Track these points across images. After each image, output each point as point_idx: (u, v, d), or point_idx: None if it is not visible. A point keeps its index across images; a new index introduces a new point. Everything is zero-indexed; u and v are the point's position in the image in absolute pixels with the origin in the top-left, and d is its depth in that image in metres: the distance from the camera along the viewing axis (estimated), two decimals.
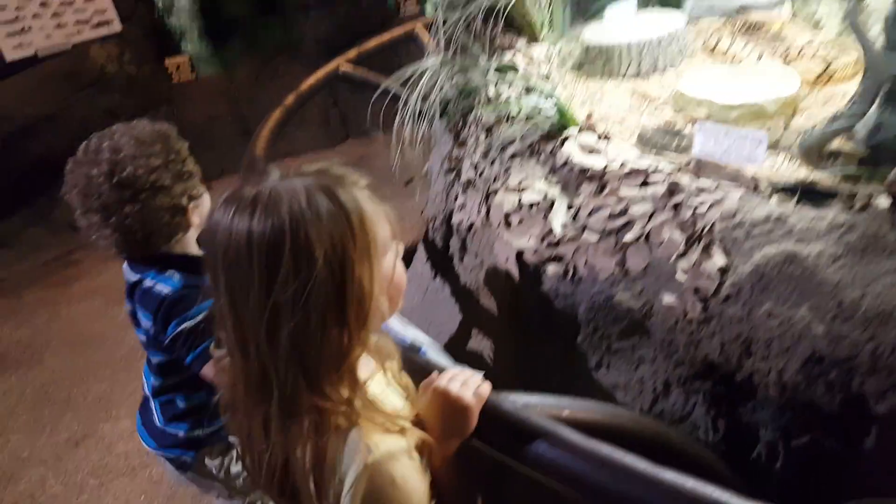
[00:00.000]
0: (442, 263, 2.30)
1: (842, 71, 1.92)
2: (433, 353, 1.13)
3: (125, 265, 1.57)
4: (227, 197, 0.80)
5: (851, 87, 1.92)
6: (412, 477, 0.83)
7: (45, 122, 5.22)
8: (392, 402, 0.92)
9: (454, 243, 2.14)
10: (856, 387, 1.24)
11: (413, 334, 1.16)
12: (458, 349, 2.09)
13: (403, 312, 2.20)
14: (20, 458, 3.02)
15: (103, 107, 5.61)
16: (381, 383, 0.94)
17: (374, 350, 0.88)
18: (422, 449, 0.90)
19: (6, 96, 5.03)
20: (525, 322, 1.92)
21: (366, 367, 0.91)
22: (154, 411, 1.70)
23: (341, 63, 3.02)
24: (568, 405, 1.03)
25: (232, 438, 1.65)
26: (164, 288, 1.46)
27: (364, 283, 0.79)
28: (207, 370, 1.40)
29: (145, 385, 1.71)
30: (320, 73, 2.92)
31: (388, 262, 0.85)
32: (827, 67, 1.92)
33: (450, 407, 0.91)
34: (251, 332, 0.78)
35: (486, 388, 0.96)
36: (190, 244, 1.55)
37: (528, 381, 1.92)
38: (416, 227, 4.31)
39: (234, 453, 1.68)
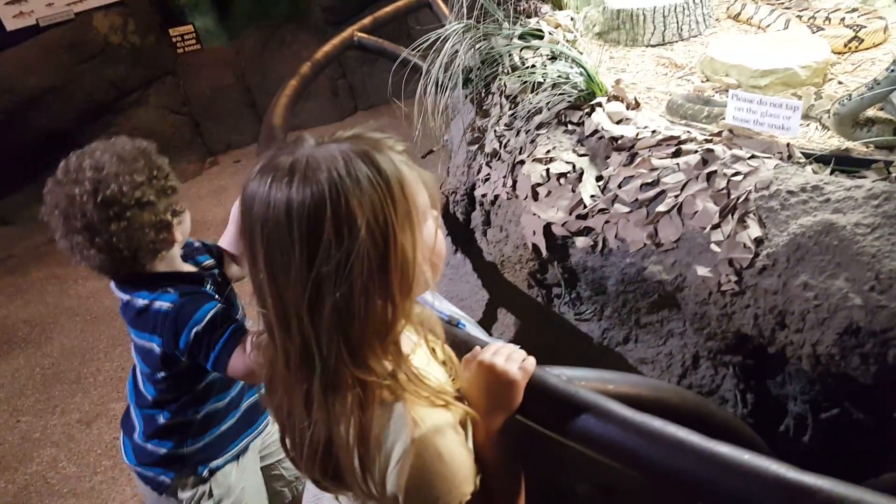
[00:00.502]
0: (464, 237, 2.28)
1: (870, 38, 1.88)
2: (471, 327, 1.12)
3: (112, 284, 1.54)
4: (262, 167, 0.78)
5: (879, 54, 1.89)
6: (458, 451, 0.82)
7: (49, 93, 5.16)
8: (436, 375, 0.91)
9: (477, 216, 2.12)
10: (892, 358, 1.24)
11: (448, 308, 1.15)
12: (482, 325, 2.08)
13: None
14: (31, 439, 3.01)
15: (108, 78, 5.55)
16: (424, 357, 0.93)
17: (417, 322, 0.86)
18: (465, 423, 0.89)
19: (8, 68, 4.97)
20: (552, 297, 1.92)
21: (408, 340, 0.90)
22: (136, 424, 1.65)
23: (356, 31, 2.97)
24: (612, 379, 1.03)
25: (215, 463, 1.65)
26: (162, 304, 1.44)
27: (407, 250, 0.77)
28: (237, 363, 1.38)
29: (130, 396, 1.67)
30: (336, 41, 2.86)
31: (429, 229, 0.83)
32: (856, 34, 1.88)
33: (496, 381, 0.90)
34: (293, 305, 0.76)
35: (532, 362, 0.95)
36: (175, 260, 1.52)
37: (555, 357, 1.92)
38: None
39: (209, 487, 1.65)
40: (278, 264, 0.76)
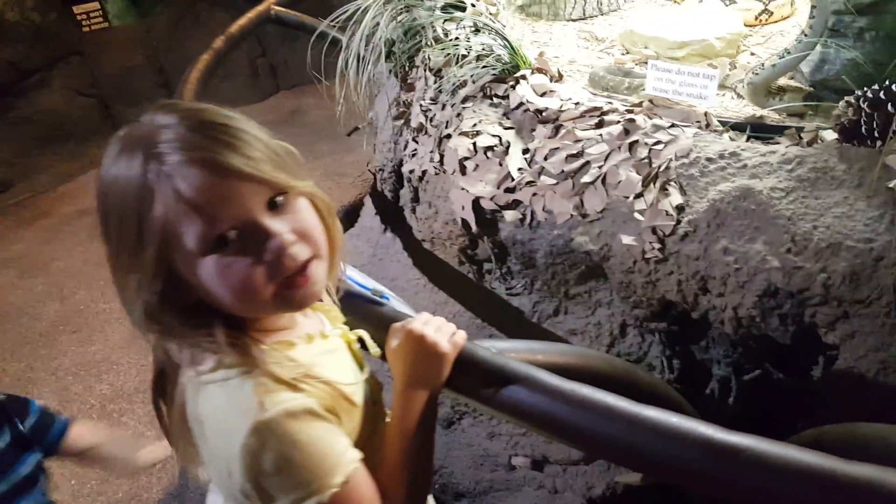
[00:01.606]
0: (392, 216, 2.24)
1: (779, 11, 1.95)
2: (396, 302, 1.09)
3: None
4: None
5: (787, 26, 1.96)
6: (322, 438, 0.74)
7: None
8: (330, 367, 0.84)
9: (405, 194, 2.08)
10: (808, 318, 1.29)
11: (373, 283, 1.12)
12: (412, 303, 2.05)
13: (355, 268, 2.14)
14: None
15: (6, 59, 5.15)
16: (311, 349, 0.85)
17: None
18: (368, 410, 0.87)
19: None
20: (483, 272, 1.91)
21: (306, 326, 0.86)
22: None
23: (272, 4, 2.85)
24: (541, 349, 1.02)
25: None
26: None
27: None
28: None
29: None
30: (251, 14, 2.74)
31: (186, 260, 0.73)
32: (766, 7, 1.94)
33: (424, 352, 0.87)
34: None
35: (462, 335, 0.92)
36: None
37: (487, 333, 1.91)
38: (362, 181, 4.16)
39: None
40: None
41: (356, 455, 0.78)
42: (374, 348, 0.96)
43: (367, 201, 2.43)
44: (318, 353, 0.84)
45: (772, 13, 1.89)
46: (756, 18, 1.91)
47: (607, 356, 1.26)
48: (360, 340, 0.97)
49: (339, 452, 0.75)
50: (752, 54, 1.77)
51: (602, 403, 0.82)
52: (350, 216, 2.85)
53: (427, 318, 0.92)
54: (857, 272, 1.20)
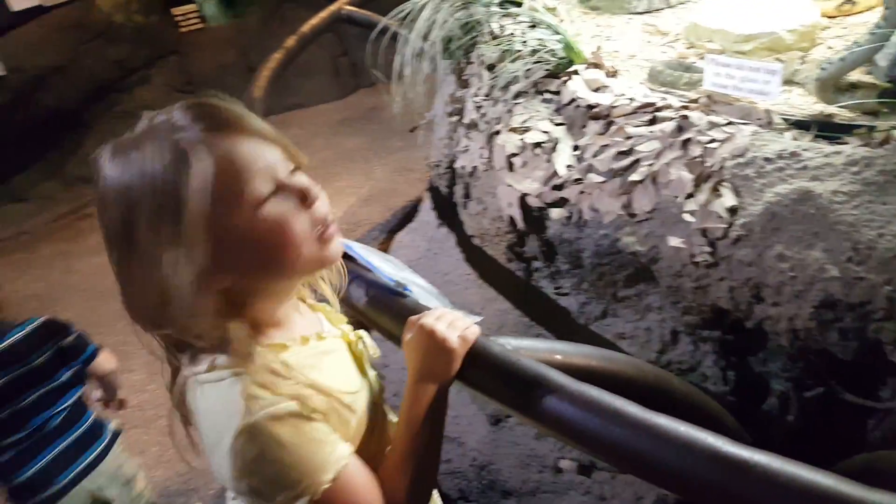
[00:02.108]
0: (447, 211, 2.25)
1: (864, 1, 1.79)
2: (427, 296, 1.08)
3: None
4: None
5: (873, 17, 1.80)
6: (309, 437, 0.75)
7: (55, 73, 5.18)
8: (326, 369, 0.85)
9: (458, 189, 2.08)
10: (871, 333, 1.18)
11: (405, 276, 1.11)
12: (461, 299, 2.05)
13: (408, 262, 2.16)
14: None
15: (112, 57, 5.55)
16: (315, 349, 0.86)
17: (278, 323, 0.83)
18: (372, 409, 0.88)
19: (15, 47, 4.98)
20: (531, 270, 1.88)
21: (290, 331, 0.85)
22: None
23: (344, 4, 2.91)
24: (562, 350, 0.99)
25: None
26: None
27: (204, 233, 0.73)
28: None
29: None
30: (324, 14, 2.81)
31: (231, 219, 0.74)
32: None
33: (434, 347, 0.86)
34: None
35: (475, 330, 0.91)
36: None
37: (535, 331, 1.88)
38: (425, 177, 4.21)
39: None
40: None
41: (346, 450, 0.79)
42: (373, 349, 0.96)
43: (426, 196, 2.45)
44: (313, 354, 0.85)
45: (855, 3, 1.74)
46: (837, 9, 1.77)
47: (638, 361, 1.21)
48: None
49: (327, 451, 0.76)
50: (830, 48, 1.64)
51: (609, 406, 0.78)
52: (412, 212, 2.88)
53: (441, 313, 0.91)
54: None
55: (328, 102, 5.98)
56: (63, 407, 1.71)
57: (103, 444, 1.78)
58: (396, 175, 4.45)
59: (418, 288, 1.09)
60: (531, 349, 0.95)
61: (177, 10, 6.22)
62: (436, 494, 1.01)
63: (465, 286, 2.08)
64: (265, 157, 0.76)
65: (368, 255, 1.06)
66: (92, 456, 1.74)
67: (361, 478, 0.79)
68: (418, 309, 0.98)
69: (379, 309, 1.01)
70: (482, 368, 0.89)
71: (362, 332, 0.96)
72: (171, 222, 0.72)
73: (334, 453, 0.77)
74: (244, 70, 6.32)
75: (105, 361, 1.82)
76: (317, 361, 0.84)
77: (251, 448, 0.72)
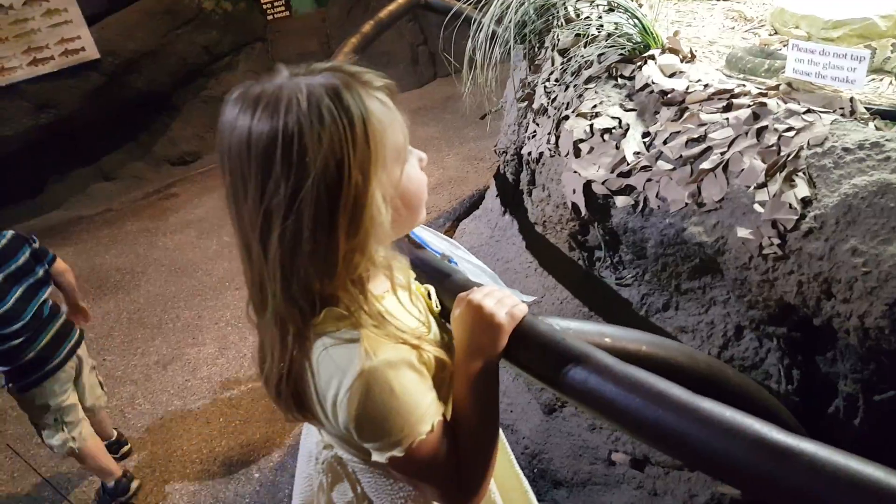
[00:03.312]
0: (512, 198, 2.24)
1: None
2: (480, 273, 1.09)
3: None
4: (236, 96, 0.77)
5: None
6: (414, 389, 0.80)
7: (146, 57, 5.45)
8: (407, 321, 0.89)
9: (524, 176, 2.07)
10: None
11: (458, 255, 1.13)
12: (522, 286, 2.05)
13: (471, 248, 2.16)
14: (114, 376, 3.26)
15: (201, 43, 5.80)
16: (396, 302, 0.90)
17: (383, 266, 0.83)
18: (441, 369, 0.87)
19: (111, 32, 5.27)
20: (593, 260, 1.85)
21: (382, 284, 0.88)
22: None
23: None
24: (612, 333, 0.97)
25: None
26: None
27: (362, 192, 0.75)
28: None
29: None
30: (401, 0, 2.85)
31: (397, 172, 0.81)
32: None
33: (481, 321, 0.88)
34: (248, 234, 0.78)
35: (522, 308, 0.91)
36: None
37: (594, 321, 1.86)
38: (494, 166, 4.22)
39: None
40: (238, 193, 0.77)
41: (441, 408, 0.84)
42: (436, 303, 1.00)
43: (492, 183, 2.45)
44: (404, 304, 0.89)
45: None
46: None
47: (690, 349, 1.18)
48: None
49: (428, 403, 0.82)
50: None
51: (654, 388, 0.77)
52: (479, 200, 2.90)
53: (490, 290, 0.92)
54: None
55: (406, 91, 6.06)
56: (45, 297, 2.16)
57: (77, 335, 2.30)
58: (467, 164, 4.47)
59: (471, 266, 1.10)
60: (580, 330, 0.94)
61: None
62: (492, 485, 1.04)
63: (525, 273, 2.08)
64: (401, 115, 0.83)
65: (420, 232, 1.08)
66: (72, 342, 2.26)
67: (448, 435, 0.84)
68: (468, 285, 0.99)
69: (429, 284, 1.03)
70: (528, 346, 0.90)
71: (430, 286, 0.99)
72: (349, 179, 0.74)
73: (433, 406, 0.82)
74: (327, 57, 6.46)
75: (60, 264, 2.27)
76: (407, 312, 0.89)
77: (368, 391, 0.77)
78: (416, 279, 1.01)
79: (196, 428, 2.83)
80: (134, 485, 2.51)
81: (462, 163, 4.52)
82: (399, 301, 0.90)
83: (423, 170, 0.89)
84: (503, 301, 0.91)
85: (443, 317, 1.00)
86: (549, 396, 1.99)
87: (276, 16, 6.58)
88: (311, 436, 1.07)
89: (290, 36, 6.48)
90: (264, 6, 6.47)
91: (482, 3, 2.05)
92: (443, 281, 1.02)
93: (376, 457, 0.81)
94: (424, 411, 0.81)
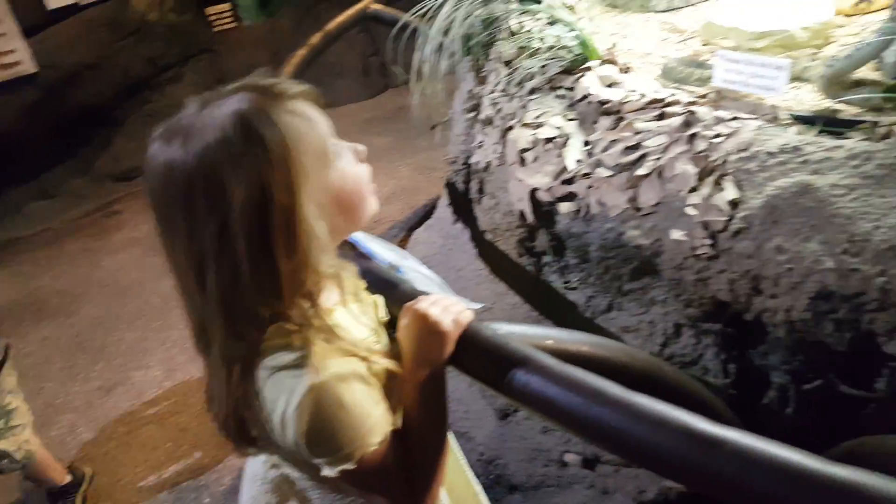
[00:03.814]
0: (462, 206, 2.29)
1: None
2: (428, 283, 1.12)
3: None
4: (157, 133, 0.77)
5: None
6: (364, 401, 0.81)
7: (88, 70, 5.31)
8: (357, 333, 0.90)
9: (473, 185, 2.12)
10: (865, 324, 1.19)
11: (407, 264, 1.15)
12: (474, 294, 2.08)
13: (423, 257, 2.19)
14: (53, 404, 3.11)
15: (145, 55, 5.69)
16: (346, 314, 0.91)
17: (331, 275, 0.84)
18: (390, 379, 0.89)
19: (50, 45, 5.12)
20: (542, 265, 1.90)
21: (332, 296, 0.89)
22: None
23: (371, 2, 2.97)
24: (554, 336, 1.02)
25: None
26: None
27: (290, 212, 0.74)
28: None
29: None
30: (350, 11, 2.88)
31: (325, 175, 0.80)
32: None
33: (427, 330, 0.90)
34: (186, 278, 0.78)
35: (468, 315, 0.94)
36: None
37: (544, 325, 1.90)
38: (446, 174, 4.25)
39: None
40: (167, 236, 0.77)
41: (390, 418, 0.85)
42: (385, 313, 1.01)
43: (444, 192, 2.49)
44: (354, 316, 0.91)
45: (872, 1, 1.74)
46: (854, 7, 1.77)
47: (629, 348, 1.23)
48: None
49: (378, 414, 0.83)
50: (843, 46, 1.64)
51: (591, 386, 0.81)
52: (431, 209, 2.93)
53: (436, 298, 0.95)
54: None
55: (357, 102, 6.04)
56: None
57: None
58: (419, 174, 4.50)
59: (419, 275, 1.13)
60: (524, 334, 0.98)
61: (210, 10, 6.36)
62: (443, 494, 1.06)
63: (477, 281, 2.12)
64: (325, 118, 0.83)
65: (368, 242, 1.10)
66: None
67: (398, 445, 0.85)
68: (415, 295, 1.02)
69: (376, 295, 1.05)
70: (473, 352, 0.93)
71: (378, 297, 1.01)
72: (271, 200, 0.73)
73: (383, 417, 0.83)
74: (276, 69, 6.44)
75: None
76: (357, 323, 0.90)
77: (317, 406, 0.77)
78: (365, 289, 1.03)
79: (142, 455, 2.74)
80: (88, 471, 2.47)
81: (415, 173, 4.55)
82: (349, 312, 0.92)
83: (364, 163, 0.89)
84: (449, 309, 0.94)
85: (391, 327, 1.02)
86: (503, 402, 2.03)
87: (222, 27, 6.49)
88: (258, 456, 1.07)
89: (238, 47, 6.41)
90: (210, 18, 6.38)
91: (429, 15, 2.09)
92: (390, 291, 1.04)
93: (327, 471, 0.81)
94: (374, 423, 0.81)
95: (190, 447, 2.73)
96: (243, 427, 0.83)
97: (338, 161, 0.83)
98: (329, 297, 0.88)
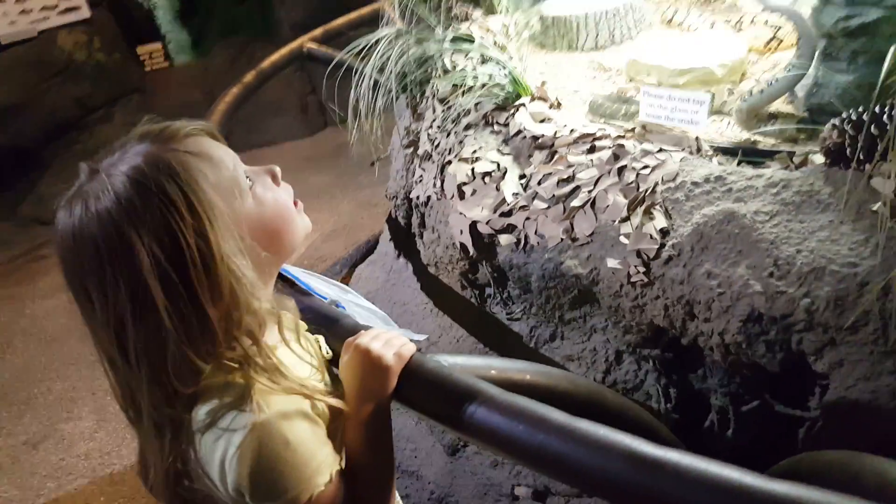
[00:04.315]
0: (405, 242, 2.29)
1: (789, 38, 1.92)
2: (370, 316, 1.11)
3: None
4: (61, 203, 0.76)
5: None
6: (309, 439, 0.78)
7: (11, 111, 5.13)
8: (300, 371, 0.87)
9: (414, 220, 2.13)
10: (794, 344, 1.25)
11: (348, 299, 1.14)
12: (418, 328, 2.08)
13: (367, 293, 2.17)
14: None
15: (72, 95, 5.53)
16: (288, 352, 0.88)
17: (269, 313, 0.82)
18: (335, 417, 0.87)
19: None
20: (485, 297, 1.92)
21: (272, 335, 0.86)
22: None
23: (305, 41, 2.99)
24: (498, 366, 1.02)
25: None
26: None
27: (207, 254, 0.73)
28: None
29: None
30: (284, 51, 2.89)
31: (238, 206, 0.79)
32: (775, 34, 1.92)
33: (369, 365, 0.89)
34: (109, 347, 0.75)
35: (410, 348, 0.94)
36: None
37: (488, 356, 1.91)
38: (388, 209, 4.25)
39: None
40: (83, 304, 0.75)
41: (337, 458, 0.83)
42: (327, 349, 1.00)
43: (385, 228, 2.49)
44: (296, 354, 0.88)
45: (781, 41, 1.87)
46: (766, 46, 1.90)
47: (572, 375, 1.25)
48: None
49: (324, 454, 0.80)
50: (757, 81, 1.75)
51: (535, 414, 0.82)
52: (374, 245, 2.92)
53: (377, 332, 0.94)
54: (842, 297, 1.16)
55: (297, 140, 6.02)
56: None
57: None
58: (361, 210, 4.49)
59: (361, 309, 1.12)
60: (467, 365, 0.99)
61: (142, 49, 6.26)
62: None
63: (422, 315, 2.11)
64: (226, 150, 0.82)
65: (307, 279, 1.09)
66: None
67: (345, 484, 0.83)
68: (357, 329, 1.00)
69: (317, 332, 1.03)
70: (417, 384, 0.92)
71: (319, 335, 0.99)
72: (188, 247, 0.72)
73: (329, 456, 0.80)
74: (209, 106, 6.37)
75: None
76: (300, 361, 0.87)
77: (260, 446, 0.73)
78: (306, 329, 1.01)
79: None
80: None
81: (356, 209, 4.54)
82: (291, 350, 0.90)
83: (282, 182, 0.88)
84: (391, 342, 0.93)
85: (333, 364, 1.01)
86: (452, 437, 2.02)
87: (154, 67, 6.39)
88: None
89: (170, 87, 6.31)
90: (141, 57, 6.28)
91: (363, 53, 2.11)
92: (331, 327, 1.03)
93: None
94: (320, 462, 0.79)
95: (125, 500, 2.60)
96: (179, 482, 0.79)
97: (254, 188, 0.82)
98: (270, 336, 0.85)
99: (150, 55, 6.32)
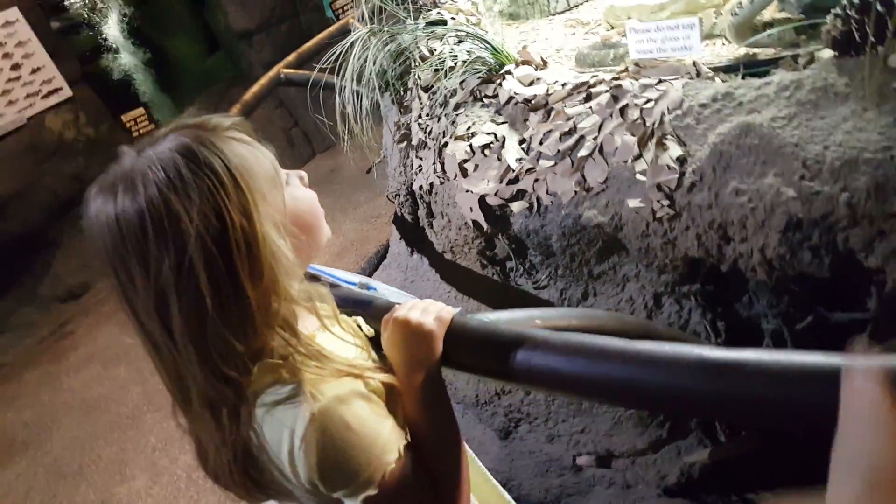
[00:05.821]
0: (416, 236, 2.25)
1: None
2: (399, 296, 1.08)
3: None
4: (94, 189, 0.74)
5: None
6: (370, 418, 0.76)
7: (14, 199, 5.18)
8: (345, 353, 0.85)
9: (421, 212, 2.09)
10: (841, 244, 1.19)
11: (365, 280, 1.11)
12: None
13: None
14: None
15: (69, 173, 5.56)
16: (329, 338, 0.86)
17: (303, 299, 0.80)
18: (390, 393, 0.84)
19: None
20: (507, 272, 1.87)
21: (310, 323, 0.84)
22: None
23: (281, 68, 2.98)
24: (541, 314, 0.98)
25: None
26: None
27: (250, 234, 0.72)
28: None
29: None
30: (263, 80, 2.88)
31: (279, 198, 0.78)
32: None
33: (412, 335, 0.86)
34: (151, 326, 0.73)
35: (449, 311, 0.90)
36: None
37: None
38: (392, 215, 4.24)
39: None
40: (126, 286, 0.72)
41: (402, 432, 0.80)
42: (368, 329, 0.98)
43: (393, 229, 2.46)
44: (336, 339, 0.85)
45: None
46: None
47: (619, 314, 1.20)
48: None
49: (388, 430, 0.78)
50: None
51: (594, 346, 0.77)
52: (385, 253, 2.89)
53: (412, 303, 0.91)
54: (882, 184, 1.11)
55: (287, 170, 6.02)
56: None
57: None
58: (364, 224, 4.48)
59: (390, 291, 1.09)
60: (510, 318, 0.94)
61: (126, 116, 6.31)
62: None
63: (446, 304, 2.07)
64: (262, 144, 0.81)
65: (331, 271, 1.06)
66: None
67: (416, 457, 0.79)
68: (391, 307, 0.97)
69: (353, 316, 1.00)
70: (464, 345, 0.88)
71: (357, 317, 0.97)
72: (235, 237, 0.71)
73: (394, 432, 0.77)
74: None
75: None
76: (343, 343, 0.85)
77: (323, 433, 0.72)
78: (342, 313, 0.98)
79: None
80: None
81: (360, 225, 4.53)
82: (332, 335, 0.86)
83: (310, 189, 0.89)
84: (428, 309, 0.90)
85: (375, 343, 0.97)
86: (502, 420, 1.97)
87: (140, 131, 6.43)
88: None
89: None
90: (127, 124, 6.32)
91: (339, 63, 2.09)
92: (366, 308, 0.99)
93: (350, 503, 0.75)
94: (386, 440, 0.76)
95: None
96: (249, 472, 0.76)
97: (289, 183, 0.83)
98: (307, 325, 0.83)
99: (136, 121, 6.36)
